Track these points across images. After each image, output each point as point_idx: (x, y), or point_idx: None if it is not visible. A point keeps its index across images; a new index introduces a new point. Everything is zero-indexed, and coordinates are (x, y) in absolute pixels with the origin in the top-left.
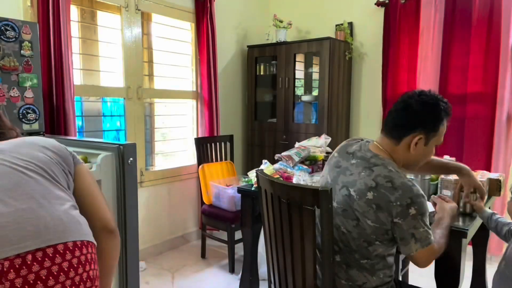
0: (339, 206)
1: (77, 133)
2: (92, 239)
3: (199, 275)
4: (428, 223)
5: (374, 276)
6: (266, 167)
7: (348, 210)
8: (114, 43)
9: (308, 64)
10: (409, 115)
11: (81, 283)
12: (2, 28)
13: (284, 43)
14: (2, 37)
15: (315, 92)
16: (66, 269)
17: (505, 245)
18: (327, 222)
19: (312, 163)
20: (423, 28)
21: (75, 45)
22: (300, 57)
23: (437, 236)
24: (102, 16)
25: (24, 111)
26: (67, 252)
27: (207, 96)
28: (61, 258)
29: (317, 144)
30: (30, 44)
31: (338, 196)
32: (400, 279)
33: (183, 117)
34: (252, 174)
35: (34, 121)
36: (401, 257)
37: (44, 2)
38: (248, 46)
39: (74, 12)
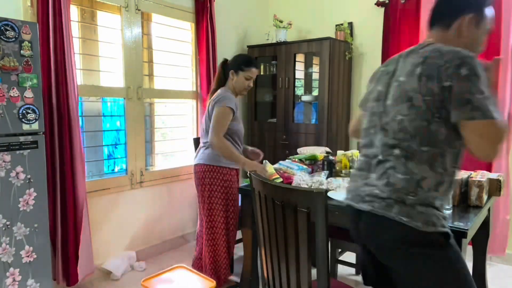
0: (393, 97)
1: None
2: None
3: None
4: (487, 92)
5: (433, 171)
6: (267, 167)
7: (400, 95)
8: (114, 43)
9: (308, 64)
10: None
11: None
12: (2, 28)
13: (284, 43)
14: (2, 37)
15: (315, 92)
16: None
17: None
18: (322, 224)
19: (312, 163)
20: (423, 28)
21: (75, 45)
22: (300, 57)
23: None
24: (102, 16)
25: (24, 111)
26: None
27: (207, 96)
28: None
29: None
30: (30, 44)
31: (392, 90)
32: None
33: (183, 117)
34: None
35: (34, 121)
36: None
37: (44, 2)
38: (248, 46)
39: (74, 12)
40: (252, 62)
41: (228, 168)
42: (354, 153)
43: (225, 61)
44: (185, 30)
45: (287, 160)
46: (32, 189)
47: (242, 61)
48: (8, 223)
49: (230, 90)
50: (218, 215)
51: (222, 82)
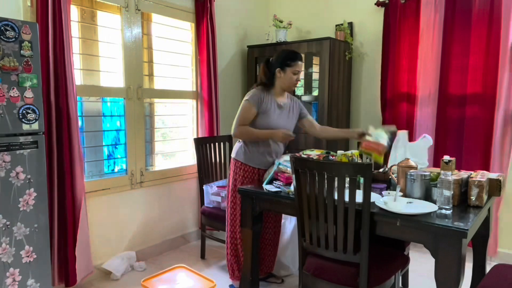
0: None
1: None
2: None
3: None
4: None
5: None
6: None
7: None
8: (114, 43)
9: (308, 64)
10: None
11: None
12: (2, 28)
13: (284, 43)
14: (2, 37)
15: (315, 92)
16: None
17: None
18: (368, 188)
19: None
20: (423, 28)
21: (75, 45)
22: None
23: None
24: (102, 16)
25: (24, 111)
26: None
27: (207, 96)
28: None
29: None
30: (30, 44)
31: None
32: (400, 279)
33: (183, 117)
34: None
35: (34, 121)
36: None
37: (44, 2)
38: (248, 46)
39: (74, 12)
40: (297, 56)
41: (250, 166)
42: (354, 153)
43: (268, 60)
44: (185, 30)
45: (287, 161)
46: (32, 189)
47: (287, 57)
48: (8, 223)
49: (277, 89)
50: (236, 209)
51: (265, 80)
